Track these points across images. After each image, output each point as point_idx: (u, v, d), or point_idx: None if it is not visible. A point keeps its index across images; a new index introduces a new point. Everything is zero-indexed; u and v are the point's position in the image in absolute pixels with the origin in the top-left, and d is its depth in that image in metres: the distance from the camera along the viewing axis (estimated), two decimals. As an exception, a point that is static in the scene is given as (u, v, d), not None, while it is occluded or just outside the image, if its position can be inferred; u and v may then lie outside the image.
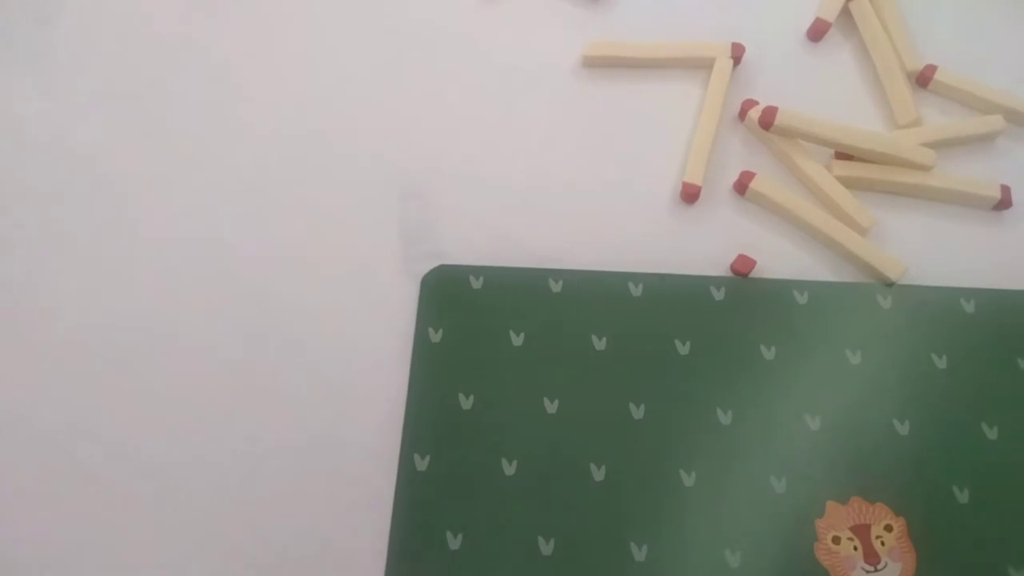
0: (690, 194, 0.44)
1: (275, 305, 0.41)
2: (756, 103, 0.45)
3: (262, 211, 0.44)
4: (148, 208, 0.44)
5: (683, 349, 0.39)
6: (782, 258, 0.42)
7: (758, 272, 0.42)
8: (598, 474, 0.37)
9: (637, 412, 0.38)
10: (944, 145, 0.44)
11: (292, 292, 0.42)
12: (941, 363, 0.39)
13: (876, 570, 0.35)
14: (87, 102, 0.46)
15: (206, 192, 0.44)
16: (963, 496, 0.37)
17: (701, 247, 0.43)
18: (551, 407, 0.38)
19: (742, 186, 0.44)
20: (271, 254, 0.43)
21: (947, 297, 0.40)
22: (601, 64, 0.47)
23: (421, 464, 0.37)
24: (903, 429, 0.38)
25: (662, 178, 0.45)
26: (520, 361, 0.39)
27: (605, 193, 0.44)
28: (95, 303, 0.41)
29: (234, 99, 0.47)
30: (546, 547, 0.36)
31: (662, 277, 0.41)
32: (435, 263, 0.42)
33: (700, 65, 0.47)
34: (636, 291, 0.40)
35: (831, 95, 0.46)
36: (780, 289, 0.40)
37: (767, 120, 0.43)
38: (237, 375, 0.40)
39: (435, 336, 0.40)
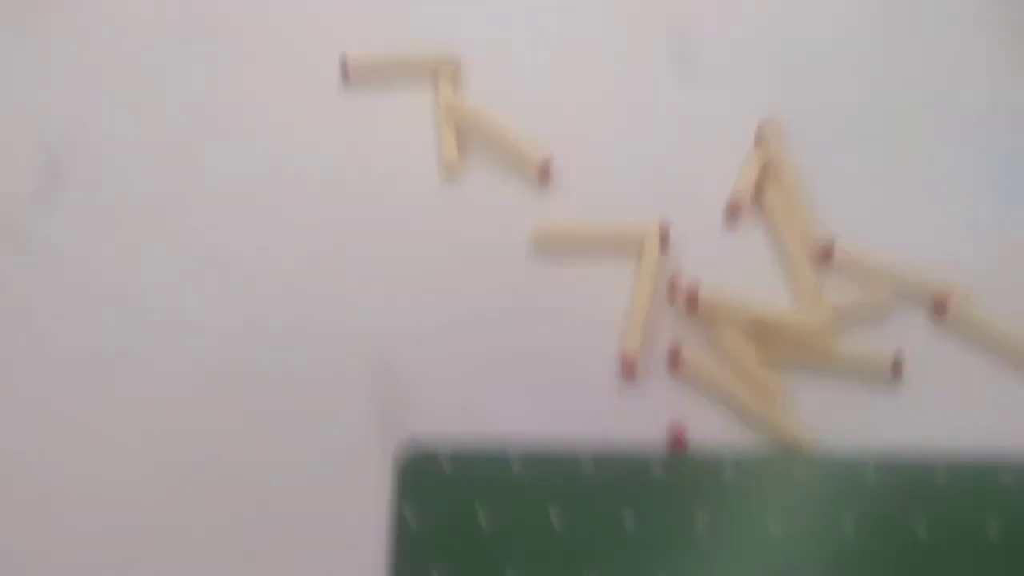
0: (628, 366, 0.49)
1: (248, 485, 0.45)
2: (681, 281, 0.51)
3: (230, 393, 0.47)
4: (116, 405, 0.47)
5: (630, 524, 0.44)
6: (715, 426, 0.48)
7: (693, 438, 0.47)
8: (561, 646, 0.42)
9: (592, 585, 0.43)
10: (846, 318, 0.51)
11: (261, 468, 0.45)
12: (849, 530, 0.45)
13: None
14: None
15: (177, 380, 0.48)
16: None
17: (640, 417, 0.48)
18: (516, 583, 0.43)
19: (673, 359, 0.49)
20: (240, 433, 0.46)
21: (851, 464, 0.46)
22: (547, 245, 0.53)
23: (402, 644, 0.41)
24: (822, 592, 0.43)
25: (603, 350, 0.50)
26: (487, 538, 0.44)
27: (551, 365, 0.49)
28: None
29: (205, 280, 0.51)
30: None
31: (608, 457, 0.46)
32: (405, 434, 0.46)
33: (633, 244, 0.53)
34: (587, 468, 0.46)
35: (748, 270, 0.53)
36: (711, 463, 0.46)
37: (691, 304, 0.50)
38: (214, 556, 0.43)
39: (409, 516, 0.44)
